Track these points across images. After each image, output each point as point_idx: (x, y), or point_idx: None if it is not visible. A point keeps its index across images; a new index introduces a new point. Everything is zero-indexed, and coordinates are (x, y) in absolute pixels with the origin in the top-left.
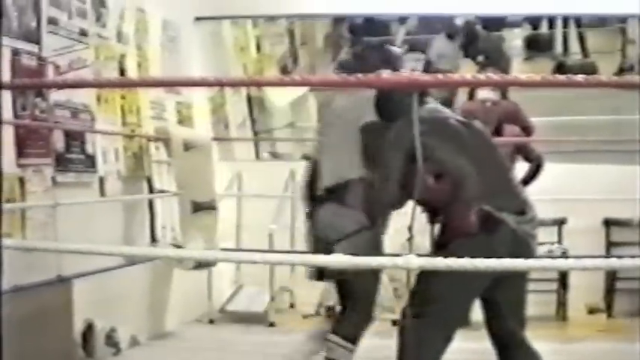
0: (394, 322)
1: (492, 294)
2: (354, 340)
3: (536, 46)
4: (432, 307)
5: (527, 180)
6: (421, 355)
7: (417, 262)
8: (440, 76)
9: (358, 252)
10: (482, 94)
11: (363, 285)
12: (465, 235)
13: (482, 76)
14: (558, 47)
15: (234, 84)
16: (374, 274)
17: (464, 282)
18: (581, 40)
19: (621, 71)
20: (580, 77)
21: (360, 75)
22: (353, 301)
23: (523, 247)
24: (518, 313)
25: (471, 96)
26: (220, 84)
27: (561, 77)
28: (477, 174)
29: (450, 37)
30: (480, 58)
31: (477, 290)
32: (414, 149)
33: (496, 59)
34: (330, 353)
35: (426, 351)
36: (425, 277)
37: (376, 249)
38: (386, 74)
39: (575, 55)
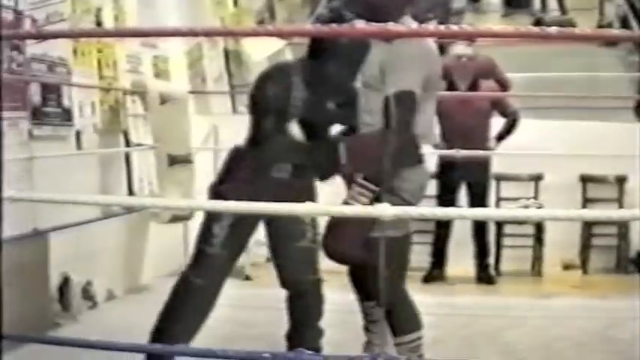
0: None
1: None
2: None
3: (514, 2)
4: None
5: (503, 135)
6: None
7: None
8: (412, 26)
9: None
10: (458, 49)
11: None
12: None
13: (455, 28)
14: (536, 4)
15: (209, 34)
16: None
17: None
18: None
19: (599, 28)
20: (553, 29)
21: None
22: None
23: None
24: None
25: (442, 51)
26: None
27: (535, 29)
28: None
29: None
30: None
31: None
32: None
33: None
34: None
35: None
36: None
37: None
38: (360, 25)
39: (554, 12)
